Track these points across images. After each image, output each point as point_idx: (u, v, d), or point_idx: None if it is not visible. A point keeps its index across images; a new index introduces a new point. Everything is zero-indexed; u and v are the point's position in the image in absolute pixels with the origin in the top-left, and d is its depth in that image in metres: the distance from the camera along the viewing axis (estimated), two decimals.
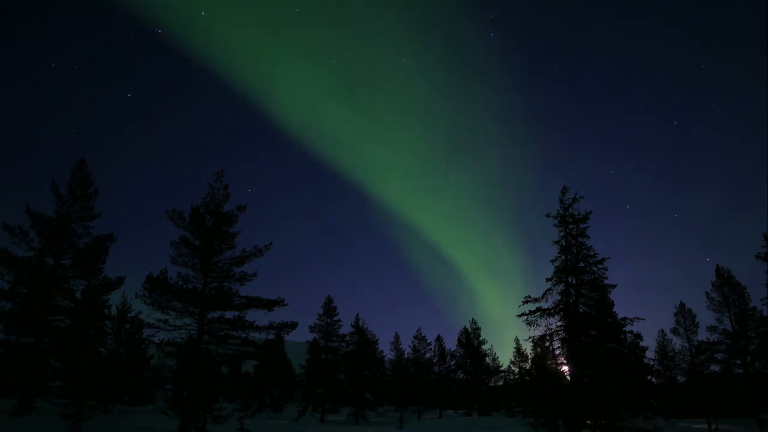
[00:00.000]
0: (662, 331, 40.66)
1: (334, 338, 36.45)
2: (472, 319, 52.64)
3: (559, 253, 20.48)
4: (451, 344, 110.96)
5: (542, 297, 20.25)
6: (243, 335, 17.77)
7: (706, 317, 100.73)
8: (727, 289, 30.93)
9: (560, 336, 19.96)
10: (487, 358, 48.36)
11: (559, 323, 20.04)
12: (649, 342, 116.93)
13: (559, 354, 20.07)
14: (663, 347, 39.83)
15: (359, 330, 37.60)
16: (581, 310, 19.78)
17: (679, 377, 38.41)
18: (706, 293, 31.58)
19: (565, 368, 19.89)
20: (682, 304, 35.75)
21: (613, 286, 20.31)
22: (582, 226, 20.28)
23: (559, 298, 20.06)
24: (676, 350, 38.47)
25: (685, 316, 35.17)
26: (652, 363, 37.30)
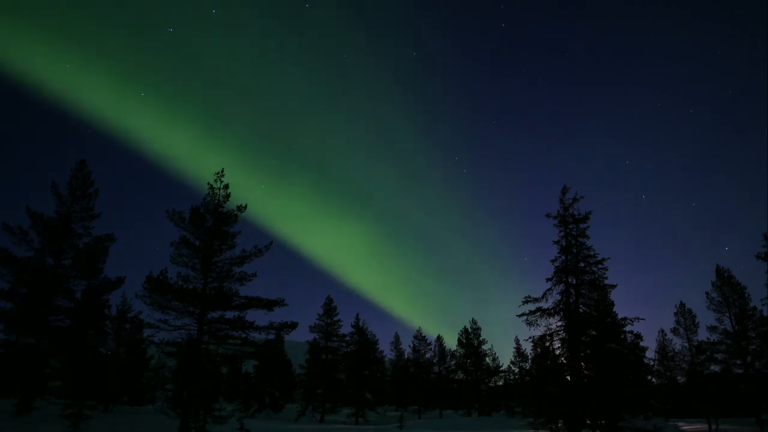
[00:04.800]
0: (662, 331, 40.68)
1: (334, 338, 36.44)
2: (472, 318, 52.60)
3: (559, 253, 20.51)
4: (451, 344, 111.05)
5: (542, 297, 20.28)
6: (243, 335, 17.78)
7: (706, 317, 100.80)
8: (727, 289, 30.92)
9: (560, 336, 19.98)
10: (487, 358, 48.33)
11: (559, 323, 20.06)
12: (649, 342, 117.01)
13: (559, 354, 20.08)
14: (663, 347, 39.80)
15: (359, 330, 37.59)
16: (581, 310, 19.79)
17: (679, 377, 38.36)
18: (706, 293, 31.58)
19: (565, 368, 19.89)
20: (682, 304, 35.71)
21: (613, 286, 20.33)
22: (582, 226, 20.31)
23: (559, 298, 20.07)
24: (676, 350, 38.44)
25: (685, 316, 35.14)
26: (652, 363, 37.25)
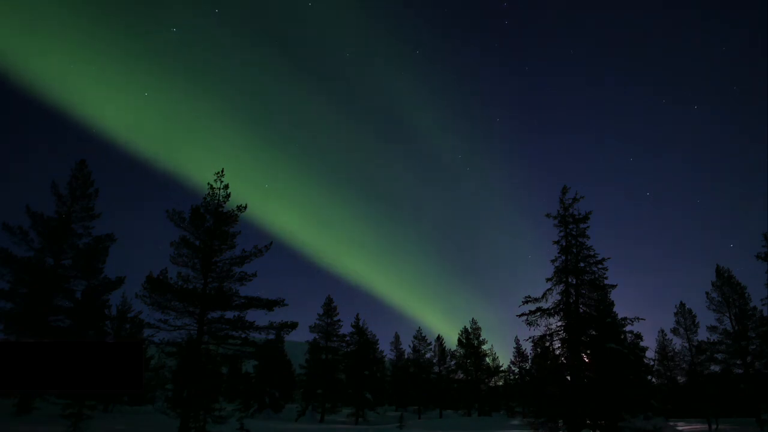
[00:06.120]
0: (662, 331, 40.66)
1: (334, 338, 36.44)
2: (472, 318, 52.64)
3: (559, 253, 20.50)
4: (451, 344, 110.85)
5: (542, 297, 20.26)
6: (243, 335, 17.79)
7: (706, 317, 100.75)
8: (727, 289, 30.91)
9: (560, 336, 19.97)
10: (487, 358, 48.35)
11: (559, 323, 20.05)
12: (649, 342, 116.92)
13: (559, 354, 20.07)
14: (663, 347, 39.80)
15: (359, 330, 37.59)
16: (581, 310, 19.79)
17: (679, 377, 38.36)
18: (707, 293, 31.57)
19: (565, 368, 19.88)
20: (682, 304, 35.73)
21: (613, 286, 20.33)
22: (582, 226, 20.30)
23: (559, 298, 20.06)
24: (676, 350, 38.45)
25: (685, 316, 35.15)
26: (652, 363, 37.26)
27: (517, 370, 49.80)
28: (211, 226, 17.59)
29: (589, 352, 19.44)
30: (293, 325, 18.08)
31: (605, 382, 18.35)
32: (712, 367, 33.03)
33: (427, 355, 48.43)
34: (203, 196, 17.90)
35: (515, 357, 50.61)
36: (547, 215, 20.93)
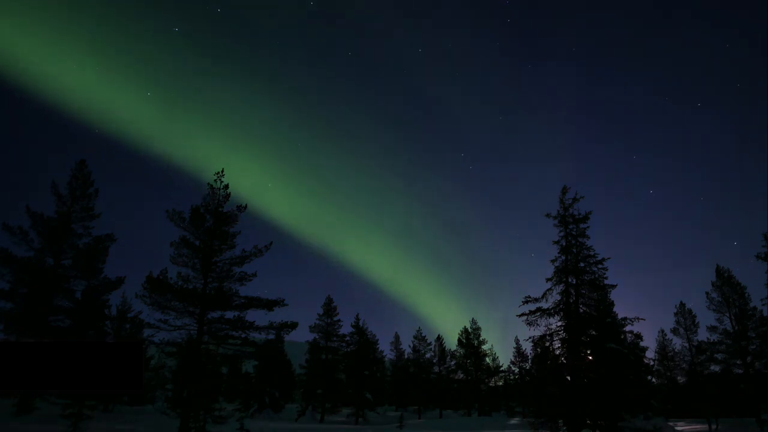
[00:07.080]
0: (662, 331, 40.67)
1: (334, 338, 36.45)
2: (472, 318, 52.66)
3: (559, 253, 20.49)
4: (451, 344, 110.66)
5: (542, 297, 20.26)
6: (243, 335, 17.77)
7: (706, 317, 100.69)
8: (727, 289, 30.91)
9: (560, 336, 19.97)
10: (487, 358, 48.35)
11: (559, 323, 20.05)
12: (649, 342, 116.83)
13: (559, 354, 20.07)
14: (663, 347, 39.79)
15: (359, 330, 37.59)
16: (581, 310, 19.79)
17: (679, 377, 38.37)
18: (707, 293, 31.57)
19: (565, 368, 19.88)
20: (682, 304, 35.75)
21: (614, 286, 20.33)
22: (582, 226, 20.29)
23: (559, 298, 20.06)
24: (676, 350, 38.44)
25: (685, 316, 35.16)
26: (652, 363, 37.24)
27: (517, 370, 49.83)
28: (211, 226, 17.58)
29: (589, 352, 19.45)
30: (293, 325, 18.07)
31: (605, 382, 18.35)
32: (712, 367, 33.04)
33: (427, 355, 48.43)
34: (203, 195, 17.92)
35: (515, 357, 50.65)
36: (547, 215, 20.92)
